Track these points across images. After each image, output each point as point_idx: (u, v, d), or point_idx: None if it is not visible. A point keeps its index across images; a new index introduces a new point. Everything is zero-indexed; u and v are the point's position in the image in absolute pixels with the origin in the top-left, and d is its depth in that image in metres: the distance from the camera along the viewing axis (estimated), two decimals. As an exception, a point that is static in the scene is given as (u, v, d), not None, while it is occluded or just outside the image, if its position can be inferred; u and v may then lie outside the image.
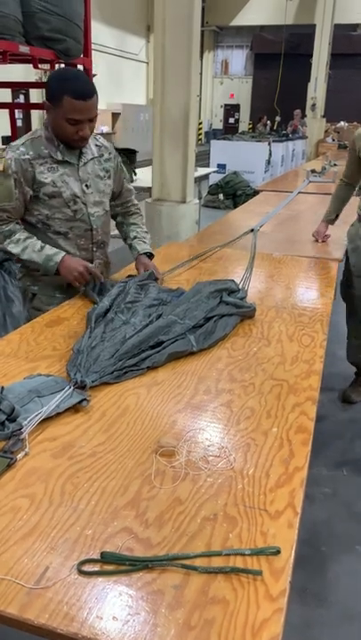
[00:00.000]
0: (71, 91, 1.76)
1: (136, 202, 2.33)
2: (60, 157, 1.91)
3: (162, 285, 2.08)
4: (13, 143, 1.93)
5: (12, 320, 3.34)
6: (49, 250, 1.93)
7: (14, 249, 1.92)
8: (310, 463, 1.17)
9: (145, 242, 2.26)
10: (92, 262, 2.09)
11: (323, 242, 3.03)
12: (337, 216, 3.05)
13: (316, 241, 3.05)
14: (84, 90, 1.78)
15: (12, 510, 0.98)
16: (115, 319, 1.73)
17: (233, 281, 2.04)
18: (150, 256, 2.25)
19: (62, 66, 4.14)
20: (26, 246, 1.92)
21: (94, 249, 2.10)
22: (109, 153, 2.10)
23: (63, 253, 1.94)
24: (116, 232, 2.37)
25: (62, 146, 1.91)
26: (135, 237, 2.25)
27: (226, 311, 1.81)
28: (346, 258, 2.88)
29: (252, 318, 1.91)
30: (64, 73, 1.86)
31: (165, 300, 1.89)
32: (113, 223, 2.29)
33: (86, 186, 1.99)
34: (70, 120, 1.80)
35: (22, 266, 2.08)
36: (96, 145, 2.06)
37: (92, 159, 2.02)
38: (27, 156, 1.86)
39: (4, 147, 2.05)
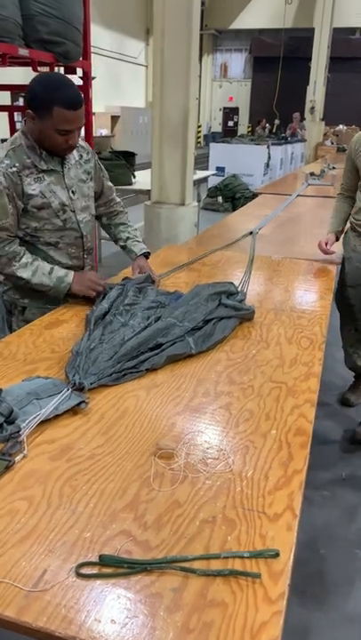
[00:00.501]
0: (62, 101, 1.68)
1: (118, 199, 2.26)
2: (44, 167, 1.84)
3: (160, 288, 2.08)
4: None
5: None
6: (59, 271, 1.90)
7: (24, 273, 1.85)
8: (309, 466, 1.17)
9: (139, 241, 2.22)
10: (82, 269, 2.06)
11: (328, 252, 2.78)
12: (342, 230, 2.87)
13: (323, 249, 2.79)
14: (75, 99, 1.72)
15: (9, 513, 0.97)
16: (113, 321, 1.72)
17: (232, 283, 2.04)
18: (147, 255, 2.22)
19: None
20: (35, 270, 1.87)
21: (85, 256, 2.07)
22: (87, 153, 2.04)
23: (72, 273, 1.93)
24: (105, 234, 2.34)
25: (45, 154, 1.84)
26: (128, 238, 2.21)
27: (225, 314, 1.81)
28: (341, 266, 2.84)
29: (252, 321, 1.91)
30: (51, 81, 1.73)
31: (164, 303, 1.89)
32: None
33: (72, 192, 1.94)
34: (61, 131, 1.74)
35: (6, 279, 1.97)
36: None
37: (74, 164, 1.97)
38: (14, 169, 1.78)
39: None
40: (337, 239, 2.85)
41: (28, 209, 1.85)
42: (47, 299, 1.98)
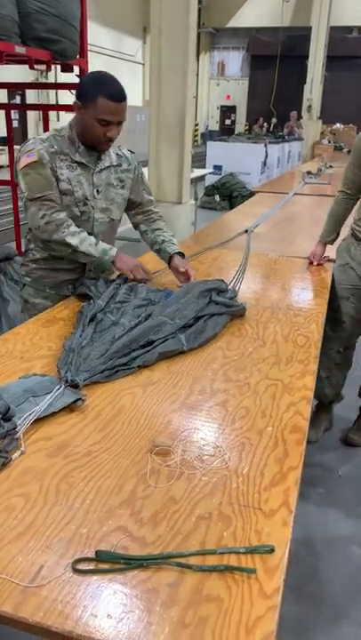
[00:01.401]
0: (106, 92, 1.79)
1: (157, 210, 2.31)
2: (77, 158, 1.94)
3: (151, 286, 2.07)
4: (38, 137, 1.95)
5: (8, 320, 3.34)
6: (103, 244, 1.97)
7: (72, 240, 1.91)
8: (305, 463, 1.17)
9: (174, 243, 2.22)
10: (84, 266, 2.08)
11: (319, 265, 2.63)
12: (337, 235, 2.65)
13: (311, 263, 2.64)
14: (119, 92, 1.82)
15: (6, 509, 0.98)
16: (104, 319, 1.73)
17: (222, 281, 2.04)
18: (182, 256, 2.21)
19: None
20: (83, 239, 1.94)
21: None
22: (129, 164, 2.11)
23: (116, 248, 2.00)
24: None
25: (82, 149, 1.94)
26: (163, 241, 2.21)
27: (215, 310, 1.82)
28: (333, 276, 2.53)
29: (248, 319, 1.91)
30: (99, 75, 1.89)
31: (154, 301, 1.89)
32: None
33: (97, 191, 2.01)
34: (102, 121, 1.83)
35: (27, 250, 2.09)
36: (117, 154, 2.08)
37: (108, 167, 2.03)
38: (52, 149, 1.90)
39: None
40: (325, 246, 2.66)
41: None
42: (45, 282, 2.08)
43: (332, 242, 2.66)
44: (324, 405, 2.87)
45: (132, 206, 2.19)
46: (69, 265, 2.05)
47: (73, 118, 1.94)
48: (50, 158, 1.88)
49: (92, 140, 1.91)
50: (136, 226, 2.26)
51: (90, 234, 2.03)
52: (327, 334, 2.56)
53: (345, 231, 2.67)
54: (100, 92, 1.79)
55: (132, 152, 2.15)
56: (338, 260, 2.61)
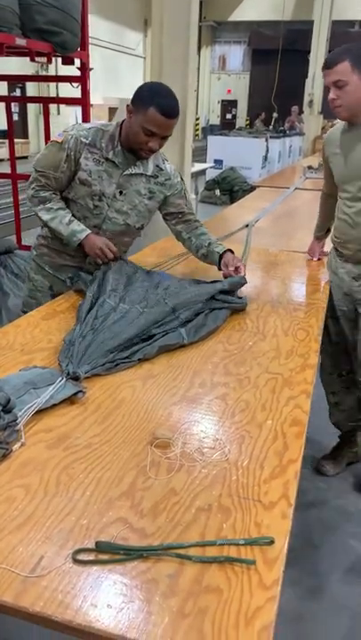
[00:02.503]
0: (159, 104, 1.80)
1: (198, 219, 2.26)
2: (109, 155, 1.95)
3: (146, 269, 2.08)
4: (82, 124, 2.01)
5: (8, 313, 3.35)
6: (76, 225, 1.99)
7: (44, 215, 1.99)
8: (305, 457, 1.18)
9: (221, 244, 2.18)
10: (86, 257, 2.09)
11: (319, 260, 2.61)
12: (328, 230, 2.54)
13: (312, 259, 2.62)
14: (171, 109, 1.84)
15: (7, 500, 0.98)
16: (104, 305, 1.72)
17: (220, 282, 1.99)
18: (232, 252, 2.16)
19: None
20: (55, 216, 1.98)
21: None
22: (166, 179, 2.09)
23: (88, 231, 1.99)
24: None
25: (119, 149, 1.95)
26: (210, 244, 2.16)
27: (217, 305, 1.82)
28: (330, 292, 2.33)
29: (248, 313, 1.91)
30: (158, 86, 1.91)
31: (153, 281, 1.91)
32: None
33: (120, 192, 2.01)
34: (147, 130, 1.84)
35: (42, 227, 2.14)
36: (157, 165, 2.07)
37: (141, 174, 2.02)
38: (85, 140, 1.93)
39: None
40: (320, 241, 2.62)
41: (75, 178, 1.98)
42: (47, 261, 2.15)
43: (323, 236, 2.63)
44: (346, 435, 2.59)
45: (171, 217, 2.18)
46: (72, 251, 2.07)
47: (125, 118, 1.95)
48: (78, 147, 1.92)
49: (133, 145, 1.92)
50: (178, 235, 2.22)
51: (97, 227, 2.04)
52: (322, 359, 2.43)
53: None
54: (154, 103, 1.80)
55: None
56: (330, 275, 2.39)
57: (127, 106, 1.89)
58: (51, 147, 1.95)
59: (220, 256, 2.11)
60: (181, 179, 2.18)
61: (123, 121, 1.96)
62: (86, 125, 1.98)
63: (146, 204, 2.08)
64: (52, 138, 1.97)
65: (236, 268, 2.04)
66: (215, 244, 2.16)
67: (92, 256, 2.01)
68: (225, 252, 2.12)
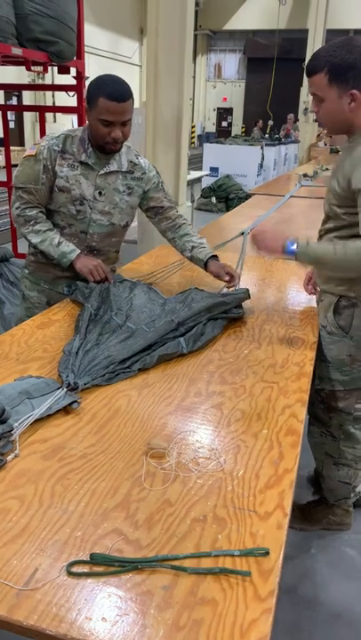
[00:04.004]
0: (106, 92, 1.82)
1: (180, 213, 2.28)
2: (82, 158, 1.97)
3: (149, 287, 2.08)
4: (51, 134, 2.01)
5: (3, 322, 3.34)
6: (65, 247, 2.00)
7: (33, 238, 2.00)
8: (300, 466, 1.17)
9: (205, 247, 2.19)
10: None
11: (312, 294, 2.18)
12: None
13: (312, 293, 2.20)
14: (118, 92, 1.84)
15: (1, 512, 0.97)
16: (111, 321, 1.73)
17: (247, 290, 2.00)
18: (216, 258, 2.17)
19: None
20: (45, 239, 1.99)
21: (85, 252, 2.09)
22: (142, 173, 2.11)
23: (77, 252, 2.01)
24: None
25: (91, 150, 1.97)
26: (193, 247, 2.18)
27: (215, 315, 1.83)
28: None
29: (244, 321, 1.92)
30: (103, 77, 1.92)
31: (157, 302, 1.90)
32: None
33: (100, 193, 2.02)
34: (103, 121, 1.85)
35: (30, 246, 2.13)
36: (130, 161, 2.08)
37: (116, 172, 2.04)
38: (57, 148, 1.95)
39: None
40: None
41: (53, 187, 1.99)
42: (43, 276, 2.14)
43: None
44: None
45: (153, 212, 2.19)
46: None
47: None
48: (52, 155, 1.94)
49: (98, 141, 1.93)
50: (163, 234, 2.25)
51: (84, 232, 2.05)
52: (309, 412, 2.07)
53: None
54: (101, 93, 1.82)
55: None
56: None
57: (84, 107, 1.92)
58: (26, 161, 1.96)
59: (206, 262, 2.14)
60: (157, 172, 2.19)
61: (87, 125, 1.98)
62: (55, 134, 1.99)
63: (127, 201, 2.10)
64: (26, 152, 1.98)
65: (232, 278, 2.06)
66: (198, 248, 2.18)
67: (85, 274, 2.00)
68: (209, 259, 2.14)
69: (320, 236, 1.90)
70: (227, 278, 2.07)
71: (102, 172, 2.01)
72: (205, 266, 2.14)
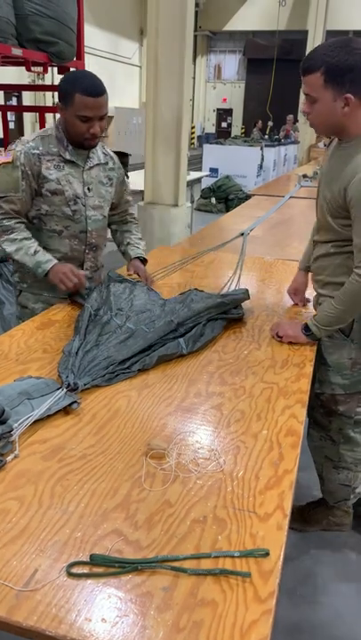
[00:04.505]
0: (82, 88, 1.81)
1: (133, 212, 2.36)
2: (67, 157, 1.95)
3: (149, 288, 2.08)
4: (24, 138, 1.97)
5: (3, 322, 3.33)
6: (41, 256, 1.93)
7: (8, 247, 1.94)
8: (300, 467, 1.17)
9: (138, 247, 2.28)
10: (82, 264, 2.11)
11: (303, 305, 2.15)
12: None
13: (297, 305, 2.15)
14: (95, 87, 1.83)
15: (1, 512, 0.97)
16: (110, 322, 1.73)
17: (246, 291, 2.00)
18: (143, 261, 2.26)
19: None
20: (20, 247, 1.93)
21: (86, 251, 2.11)
22: (114, 163, 2.15)
23: (55, 261, 1.94)
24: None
25: (71, 147, 1.96)
26: (128, 244, 2.28)
27: (215, 315, 1.82)
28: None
29: (244, 321, 1.92)
30: (75, 73, 1.91)
31: (156, 303, 1.89)
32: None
33: (88, 189, 2.03)
34: (82, 117, 1.84)
35: (15, 261, 2.08)
36: (103, 152, 2.11)
37: (97, 165, 2.06)
38: (36, 151, 1.91)
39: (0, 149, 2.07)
40: (306, 275, 2.15)
41: (43, 192, 1.95)
42: (42, 285, 2.06)
43: (309, 269, 2.06)
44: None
45: (111, 206, 2.20)
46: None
47: (58, 118, 1.96)
48: (31, 160, 1.89)
49: (77, 138, 1.92)
50: (110, 225, 2.28)
51: (83, 232, 2.05)
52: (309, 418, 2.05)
53: None
54: (77, 89, 1.81)
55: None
56: None
57: (56, 105, 1.91)
58: (2, 169, 1.90)
59: (131, 260, 2.23)
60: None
61: (58, 121, 1.97)
62: (28, 138, 1.96)
63: (110, 192, 2.13)
64: (0, 160, 1.91)
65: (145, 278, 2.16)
66: (132, 245, 2.26)
67: (57, 283, 1.92)
68: (135, 258, 2.23)
69: (314, 246, 1.89)
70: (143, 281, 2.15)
71: (87, 166, 2.01)
72: (129, 262, 2.25)
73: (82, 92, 1.81)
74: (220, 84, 25.09)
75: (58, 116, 1.97)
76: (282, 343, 1.75)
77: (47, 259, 1.94)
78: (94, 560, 0.87)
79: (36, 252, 1.94)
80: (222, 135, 21.01)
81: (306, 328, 1.73)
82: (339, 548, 2.15)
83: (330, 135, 1.73)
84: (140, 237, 2.34)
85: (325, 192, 1.71)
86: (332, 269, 1.77)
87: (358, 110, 1.55)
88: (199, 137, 23.60)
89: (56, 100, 1.92)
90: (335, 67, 1.50)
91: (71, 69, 4.15)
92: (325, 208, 1.72)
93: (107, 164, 2.11)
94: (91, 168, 2.03)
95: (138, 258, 2.24)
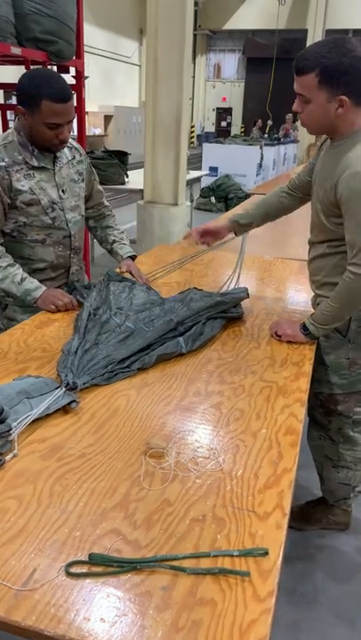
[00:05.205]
0: (49, 94, 1.69)
1: (107, 203, 2.28)
2: (35, 163, 1.86)
3: (148, 287, 2.07)
4: None
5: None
6: (29, 284, 1.87)
7: None
8: (299, 465, 1.17)
9: (125, 244, 2.24)
10: (69, 269, 2.08)
11: (202, 243, 2.14)
12: (251, 224, 2.09)
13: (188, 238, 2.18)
14: (63, 92, 1.72)
15: (-1, 512, 0.97)
16: (110, 322, 1.73)
17: (246, 289, 2.01)
18: (133, 258, 2.24)
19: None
20: (6, 276, 1.84)
21: (72, 255, 2.06)
22: (80, 154, 2.06)
23: (43, 289, 1.89)
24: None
25: (37, 151, 1.86)
26: (115, 241, 2.23)
27: (214, 314, 1.82)
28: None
29: (243, 320, 1.92)
30: (39, 75, 1.74)
31: (156, 302, 1.89)
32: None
33: (62, 191, 1.95)
34: (50, 124, 1.74)
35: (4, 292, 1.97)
36: (68, 147, 2.00)
37: (66, 163, 1.98)
38: (2, 163, 1.80)
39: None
40: (235, 233, 2.15)
41: (17, 204, 1.85)
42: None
43: (239, 228, 2.11)
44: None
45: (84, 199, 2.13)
46: (51, 274, 2.02)
47: (17, 123, 1.84)
48: (1, 174, 1.79)
49: (43, 144, 1.83)
50: (86, 220, 2.18)
51: (67, 237, 1.99)
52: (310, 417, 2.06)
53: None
54: (43, 95, 1.69)
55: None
56: None
57: (17, 108, 1.76)
58: None
59: (123, 260, 2.20)
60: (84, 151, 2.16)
61: (17, 126, 1.85)
62: None
63: (83, 188, 2.07)
64: None
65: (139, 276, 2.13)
66: (119, 243, 2.23)
67: (46, 307, 1.87)
68: (127, 257, 2.20)
69: (310, 248, 1.89)
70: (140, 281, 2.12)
71: (57, 168, 1.93)
72: (121, 262, 2.21)
73: (49, 99, 1.69)
74: (219, 83, 25.07)
75: (17, 118, 1.83)
76: (281, 342, 1.75)
77: (36, 286, 1.88)
78: (93, 559, 0.87)
79: (22, 280, 1.86)
80: (222, 134, 21.00)
81: (304, 327, 1.73)
82: (338, 547, 2.15)
83: (321, 134, 1.72)
84: (122, 231, 2.28)
85: (319, 191, 1.71)
86: (328, 270, 1.77)
87: (351, 111, 1.55)
88: (199, 136, 23.58)
89: (18, 99, 1.78)
90: (330, 68, 1.48)
91: (71, 69, 4.15)
92: (319, 208, 1.72)
93: (74, 158, 2.02)
94: (61, 169, 1.95)
95: (129, 257, 2.21)
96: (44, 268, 1.97)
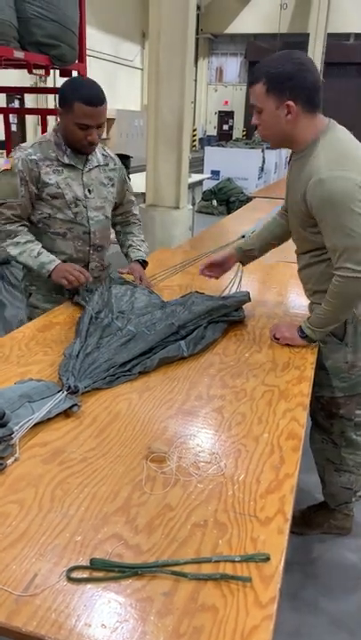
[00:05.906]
0: (82, 97, 1.84)
1: (136, 212, 2.39)
2: (66, 161, 1.99)
3: (150, 290, 2.07)
4: (22, 145, 2.01)
5: (5, 324, 3.33)
6: (45, 257, 1.97)
7: (12, 250, 1.97)
8: (301, 469, 1.17)
9: (140, 249, 2.30)
10: (88, 265, 2.13)
11: (209, 277, 2.13)
12: (255, 253, 2.12)
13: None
14: (95, 97, 1.87)
15: (0, 516, 0.97)
16: (111, 325, 1.73)
17: (247, 294, 2.02)
18: (143, 263, 2.27)
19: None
20: (24, 250, 1.97)
21: (91, 251, 2.13)
22: (115, 164, 2.19)
23: (58, 262, 1.98)
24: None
25: (70, 151, 1.99)
26: (130, 246, 2.31)
27: (215, 318, 1.82)
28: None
29: (245, 324, 1.91)
30: (76, 81, 1.94)
31: (157, 306, 1.89)
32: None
33: (89, 190, 2.05)
34: (80, 125, 1.87)
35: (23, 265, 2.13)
36: (102, 154, 2.14)
37: (97, 166, 2.09)
38: (34, 157, 1.94)
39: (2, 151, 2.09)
40: (242, 263, 2.17)
41: (43, 196, 1.98)
42: (52, 287, 2.09)
43: (245, 257, 2.13)
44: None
45: (114, 205, 2.24)
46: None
47: (57, 123, 2.00)
48: (29, 166, 1.92)
49: (74, 144, 1.96)
50: (113, 225, 2.31)
51: (87, 234, 2.07)
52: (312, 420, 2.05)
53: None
54: (76, 97, 1.84)
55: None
56: None
57: (56, 109, 1.93)
58: (3, 176, 1.94)
59: (131, 262, 2.26)
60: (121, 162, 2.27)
61: (56, 126, 2.01)
62: (27, 144, 1.99)
63: (112, 192, 2.16)
64: (1, 167, 1.96)
65: (141, 280, 2.17)
66: (134, 247, 2.29)
67: (60, 281, 1.94)
68: (134, 261, 2.25)
69: (297, 258, 1.90)
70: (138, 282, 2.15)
71: (86, 169, 2.04)
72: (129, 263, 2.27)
73: (81, 101, 1.83)
74: (221, 87, 25.13)
75: (58, 119, 1.99)
76: (282, 346, 1.75)
77: (50, 259, 1.98)
78: (94, 564, 0.87)
79: (39, 254, 1.97)
80: (224, 138, 21.04)
81: (301, 330, 1.74)
82: (340, 551, 2.14)
83: (282, 147, 1.76)
84: (143, 239, 2.36)
85: (293, 205, 1.74)
86: (316, 278, 1.79)
87: (302, 119, 1.59)
88: (201, 139, 23.63)
89: (57, 102, 1.95)
90: (276, 74, 1.55)
91: (73, 72, 4.16)
92: (296, 221, 1.75)
93: (107, 164, 2.14)
94: (90, 170, 2.06)
95: (137, 260, 2.26)
96: (64, 261, 2.03)
